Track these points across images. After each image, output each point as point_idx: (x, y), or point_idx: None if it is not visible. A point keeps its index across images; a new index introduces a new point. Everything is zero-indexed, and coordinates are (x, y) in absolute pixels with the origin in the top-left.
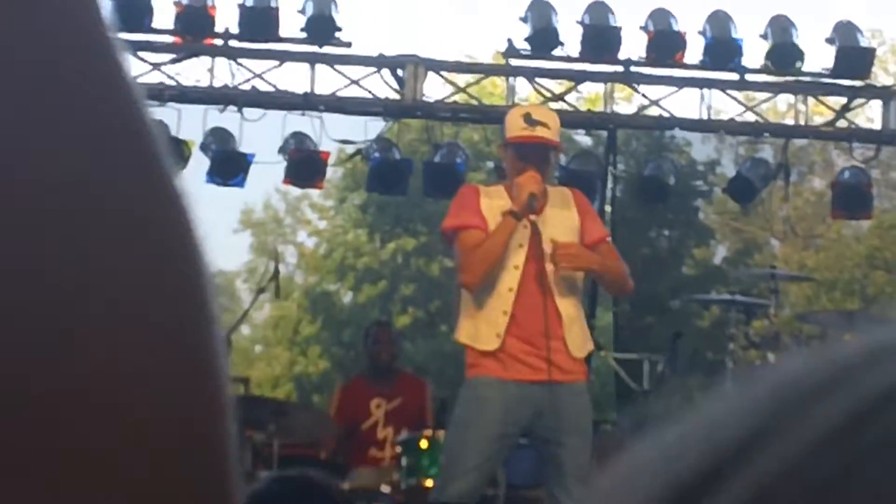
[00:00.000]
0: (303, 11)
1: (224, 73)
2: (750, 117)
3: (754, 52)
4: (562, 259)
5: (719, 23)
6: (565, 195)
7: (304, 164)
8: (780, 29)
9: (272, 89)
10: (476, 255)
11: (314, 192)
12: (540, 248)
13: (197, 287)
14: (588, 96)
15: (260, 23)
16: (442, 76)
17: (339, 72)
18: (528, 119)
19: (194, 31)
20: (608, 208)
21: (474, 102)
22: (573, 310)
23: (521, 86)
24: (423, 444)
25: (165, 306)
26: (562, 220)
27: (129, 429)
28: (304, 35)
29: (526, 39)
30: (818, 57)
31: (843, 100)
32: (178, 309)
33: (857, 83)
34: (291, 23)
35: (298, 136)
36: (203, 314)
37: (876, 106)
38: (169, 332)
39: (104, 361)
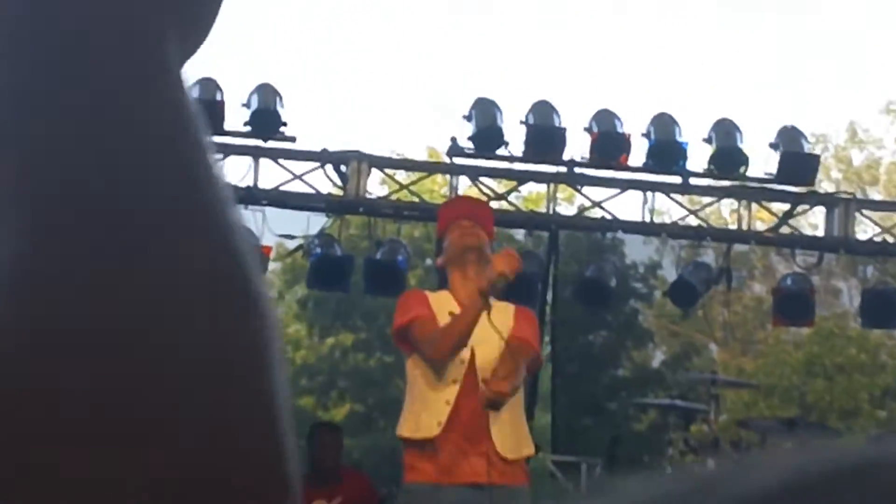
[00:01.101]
0: (248, 105)
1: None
2: (693, 221)
3: (698, 156)
4: (495, 397)
5: (664, 125)
6: (508, 309)
7: None
8: (725, 133)
9: None
10: (443, 331)
11: None
12: (473, 366)
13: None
14: (530, 196)
15: (204, 115)
16: (385, 173)
17: (283, 166)
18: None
19: None
20: (548, 310)
21: (416, 199)
22: (506, 412)
23: (464, 184)
24: None
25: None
26: (500, 328)
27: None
28: (248, 129)
29: (470, 138)
30: (762, 161)
31: (787, 206)
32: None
33: (801, 189)
34: (236, 116)
35: None
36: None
37: (819, 212)
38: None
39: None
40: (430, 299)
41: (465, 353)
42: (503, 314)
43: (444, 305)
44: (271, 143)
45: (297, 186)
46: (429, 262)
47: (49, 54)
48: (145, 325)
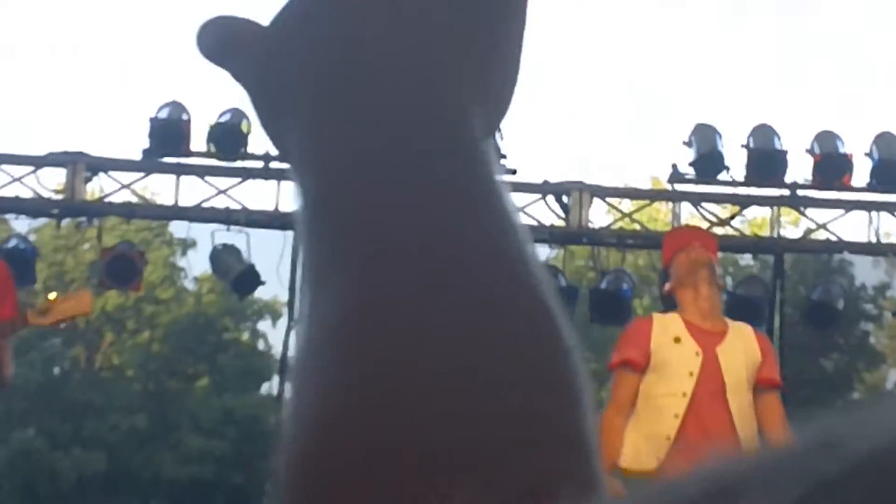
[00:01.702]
0: None
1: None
2: None
3: None
4: None
5: (886, 144)
6: (747, 330)
7: None
8: None
9: None
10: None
11: None
12: (712, 374)
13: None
14: (754, 220)
15: None
16: (607, 202)
17: None
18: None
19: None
20: (776, 333)
21: (639, 228)
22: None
23: (686, 210)
24: None
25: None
26: (744, 352)
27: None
28: None
29: (691, 164)
30: None
31: None
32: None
33: None
34: None
35: None
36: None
37: None
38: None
39: None
40: (655, 324)
41: (688, 387)
42: (744, 339)
43: (669, 329)
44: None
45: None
46: (654, 290)
47: (366, 127)
48: (473, 383)
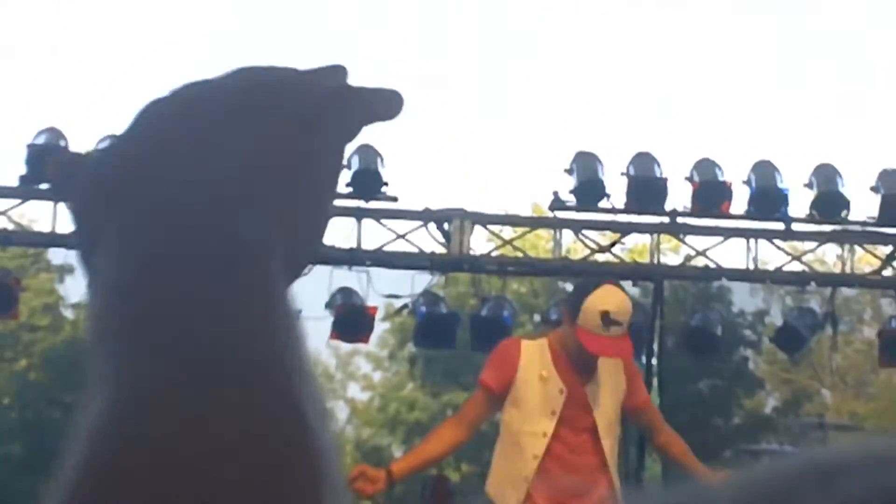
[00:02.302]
0: (348, 166)
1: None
2: (797, 266)
3: (800, 201)
4: None
5: (764, 172)
6: (617, 362)
7: (350, 319)
8: (826, 178)
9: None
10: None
11: (365, 346)
12: (578, 414)
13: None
14: (634, 247)
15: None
16: (488, 229)
17: (386, 226)
18: (606, 319)
19: None
20: (655, 360)
21: (520, 255)
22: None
23: (568, 237)
24: None
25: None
26: (613, 389)
27: None
28: (350, 189)
29: (571, 191)
30: (863, 205)
31: (889, 248)
32: None
33: None
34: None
35: (345, 292)
36: None
37: None
38: None
39: None
40: (523, 354)
41: (548, 427)
42: (613, 375)
43: (535, 362)
44: (373, 204)
45: (400, 246)
46: (536, 317)
47: (160, 255)
48: (210, 470)
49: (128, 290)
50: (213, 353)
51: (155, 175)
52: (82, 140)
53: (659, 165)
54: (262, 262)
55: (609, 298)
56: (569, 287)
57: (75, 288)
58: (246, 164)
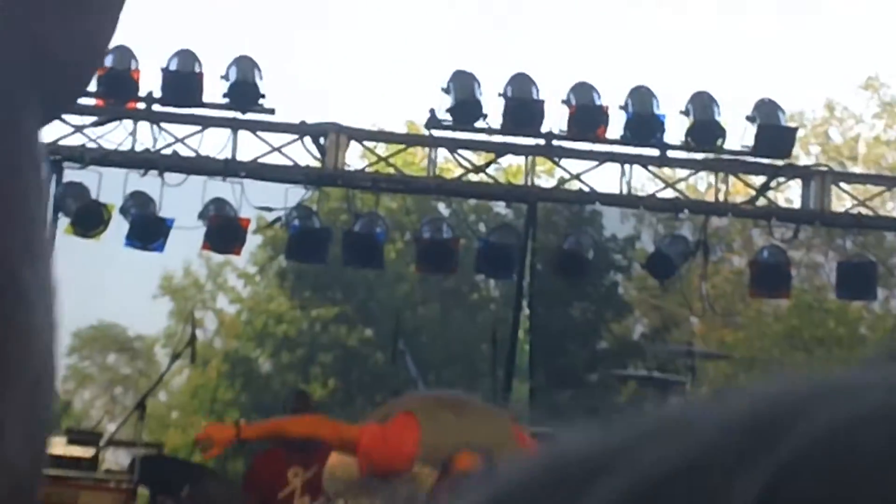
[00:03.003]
0: (226, 77)
1: (146, 137)
2: (670, 193)
3: (676, 129)
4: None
5: (641, 98)
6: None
7: (223, 231)
8: (702, 106)
9: (193, 154)
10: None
11: (236, 259)
12: None
13: None
14: (509, 168)
15: (183, 87)
16: (363, 145)
17: (262, 138)
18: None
19: (117, 94)
20: (526, 282)
21: (394, 172)
22: None
23: (443, 156)
24: None
25: None
26: None
27: None
28: (226, 101)
29: (448, 110)
30: (739, 135)
31: (764, 178)
32: None
33: (778, 162)
34: (214, 88)
35: (219, 202)
36: None
37: (796, 185)
38: None
39: None
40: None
41: None
42: None
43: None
44: (250, 116)
45: (275, 159)
46: (407, 234)
47: None
48: None
49: None
50: None
51: None
52: None
53: (537, 87)
54: (9, 112)
55: None
56: (442, 206)
57: None
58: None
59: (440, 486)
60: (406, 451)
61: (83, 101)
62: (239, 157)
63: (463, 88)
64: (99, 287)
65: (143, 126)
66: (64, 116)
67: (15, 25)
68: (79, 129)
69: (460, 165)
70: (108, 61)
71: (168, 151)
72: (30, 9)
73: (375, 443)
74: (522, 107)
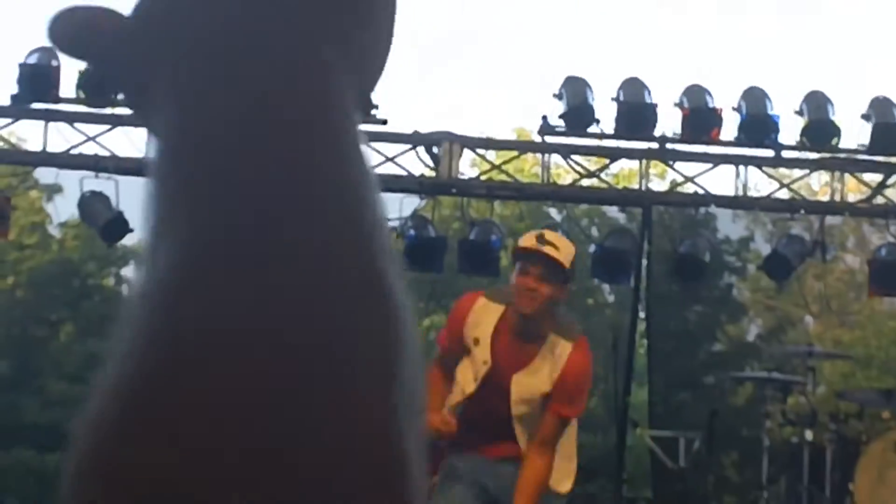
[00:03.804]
0: None
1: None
2: (785, 194)
3: (790, 129)
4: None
5: (755, 99)
6: (556, 358)
7: None
8: (816, 105)
9: None
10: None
11: None
12: (493, 393)
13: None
14: (622, 173)
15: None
16: (477, 153)
17: (375, 149)
18: (540, 239)
19: None
20: (642, 285)
21: (508, 180)
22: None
23: (556, 162)
24: None
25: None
26: (544, 383)
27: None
28: None
29: (561, 116)
30: (854, 133)
31: (880, 176)
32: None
33: (894, 160)
34: None
35: None
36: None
37: None
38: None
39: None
40: (473, 312)
41: (470, 388)
42: (550, 368)
43: (480, 324)
44: (363, 127)
45: (389, 169)
46: None
47: (224, 92)
48: (295, 328)
49: (197, 146)
50: (292, 201)
51: (216, 17)
52: (75, 60)
53: (649, 91)
54: (343, 103)
55: (548, 231)
56: (555, 212)
57: (64, 208)
58: None
59: None
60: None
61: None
62: None
63: (575, 94)
64: None
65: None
66: (77, 125)
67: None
68: (91, 138)
69: (573, 171)
70: None
71: None
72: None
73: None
74: (635, 111)
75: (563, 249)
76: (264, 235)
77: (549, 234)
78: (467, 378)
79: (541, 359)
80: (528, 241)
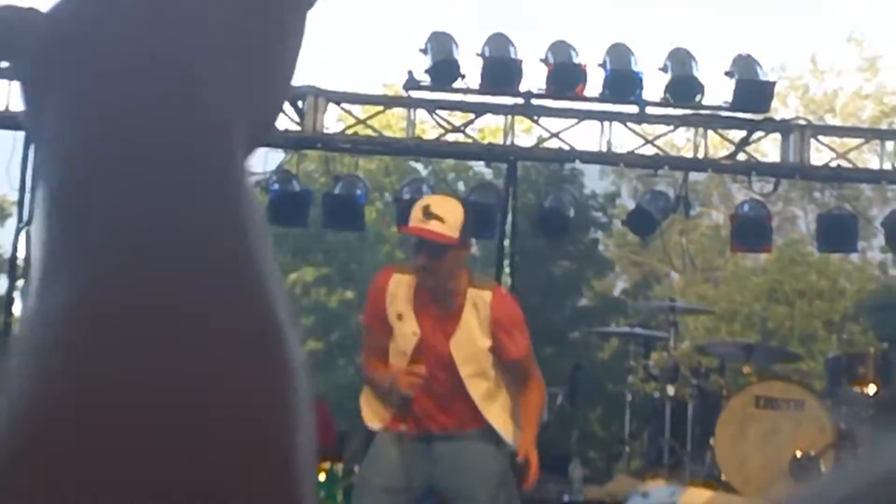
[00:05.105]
0: None
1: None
2: (650, 150)
3: (654, 85)
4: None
5: (619, 55)
6: (481, 308)
7: None
8: (680, 62)
9: None
10: (372, 375)
11: None
12: (431, 358)
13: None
14: (488, 128)
15: None
16: (342, 108)
17: None
18: (426, 212)
19: None
20: (507, 241)
21: (374, 134)
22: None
23: (422, 117)
24: (321, 475)
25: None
26: (477, 337)
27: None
28: None
29: (426, 71)
30: (718, 90)
31: (743, 133)
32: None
33: (757, 116)
34: None
35: None
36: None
37: (775, 140)
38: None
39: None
40: (390, 288)
41: (401, 363)
42: (478, 321)
43: (397, 299)
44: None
45: None
46: (386, 196)
47: (116, 128)
48: (184, 386)
49: (80, 166)
50: (180, 246)
51: (115, 40)
52: None
53: (514, 47)
54: (228, 144)
55: (434, 198)
56: (420, 167)
57: None
58: (213, 37)
59: None
60: None
61: None
62: None
63: (440, 49)
64: None
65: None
66: None
67: (225, 57)
68: None
69: (439, 126)
70: None
71: None
72: (238, 41)
73: None
74: (500, 66)
75: (448, 219)
76: (158, 292)
77: (435, 203)
78: (398, 358)
79: (467, 313)
80: (414, 218)
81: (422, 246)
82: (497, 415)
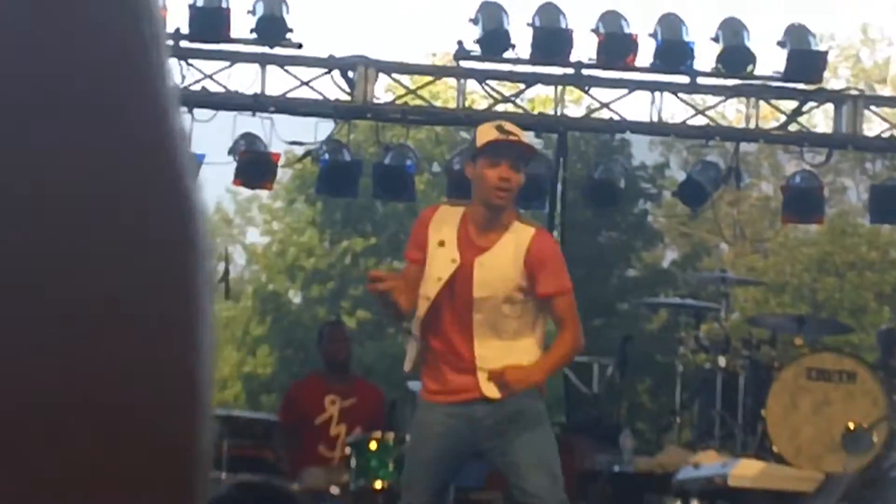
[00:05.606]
0: (253, 12)
1: (174, 73)
2: (700, 121)
3: (705, 55)
4: (511, 385)
5: (670, 25)
6: (520, 240)
7: (254, 165)
8: (732, 32)
9: (222, 90)
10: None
11: (264, 194)
12: (463, 285)
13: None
14: (538, 98)
15: (210, 23)
16: (392, 78)
17: (290, 73)
18: (501, 129)
19: None
20: (556, 211)
21: (424, 104)
22: (492, 352)
23: (472, 87)
24: (373, 445)
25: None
26: (506, 266)
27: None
28: (254, 36)
29: (476, 41)
30: (770, 60)
31: (795, 103)
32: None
33: (809, 87)
34: (242, 23)
35: (249, 137)
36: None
37: (827, 110)
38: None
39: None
40: (434, 220)
41: (432, 291)
42: (514, 251)
43: (442, 229)
44: (278, 50)
45: (304, 93)
46: (436, 166)
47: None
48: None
49: None
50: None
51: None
52: None
53: (565, 17)
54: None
55: (501, 122)
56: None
57: None
58: None
59: None
60: None
61: None
62: (268, 92)
63: (491, 19)
64: None
65: (171, 63)
66: None
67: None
68: None
69: (489, 96)
70: None
71: (197, 88)
72: None
73: None
74: (551, 36)
75: (522, 135)
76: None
77: (506, 124)
78: (432, 284)
79: (505, 241)
80: (489, 133)
81: (501, 160)
82: (526, 352)
